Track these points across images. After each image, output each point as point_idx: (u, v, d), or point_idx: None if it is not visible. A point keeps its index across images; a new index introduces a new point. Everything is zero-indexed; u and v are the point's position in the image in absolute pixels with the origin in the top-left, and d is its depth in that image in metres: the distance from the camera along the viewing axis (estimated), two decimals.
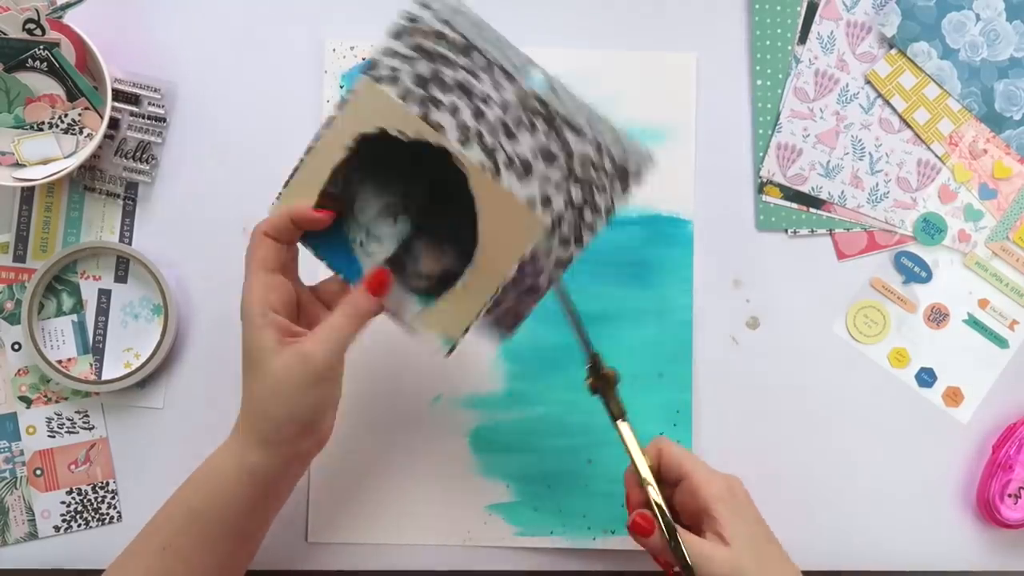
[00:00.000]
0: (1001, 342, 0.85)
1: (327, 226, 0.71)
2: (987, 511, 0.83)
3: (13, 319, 0.82)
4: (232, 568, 0.72)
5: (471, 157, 0.69)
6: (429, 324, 0.71)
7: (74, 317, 0.82)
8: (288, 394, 0.68)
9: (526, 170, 0.70)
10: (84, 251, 0.81)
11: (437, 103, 0.71)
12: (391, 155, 0.71)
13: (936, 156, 0.84)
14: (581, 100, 0.69)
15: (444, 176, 0.70)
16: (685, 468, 0.70)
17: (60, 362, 0.81)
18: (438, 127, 0.69)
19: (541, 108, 0.71)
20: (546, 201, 0.70)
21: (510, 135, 0.71)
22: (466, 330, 0.70)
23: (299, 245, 0.72)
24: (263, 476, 0.69)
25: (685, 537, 0.69)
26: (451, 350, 0.70)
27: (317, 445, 0.72)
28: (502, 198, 0.69)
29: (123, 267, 0.82)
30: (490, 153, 0.71)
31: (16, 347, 0.82)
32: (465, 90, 0.71)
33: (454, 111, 0.70)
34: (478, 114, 0.71)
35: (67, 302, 0.82)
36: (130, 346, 0.82)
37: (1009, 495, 0.83)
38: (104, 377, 0.81)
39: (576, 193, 0.70)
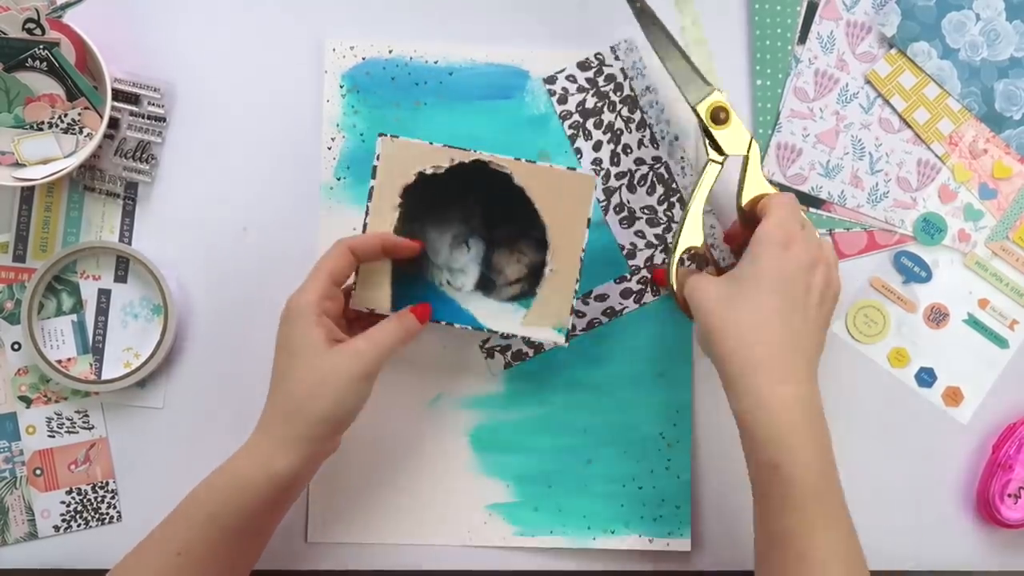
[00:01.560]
0: (1001, 342, 0.85)
1: (416, 253, 0.75)
2: (987, 511, 0.83)
3: (13, 319, 0.82)
4: (243, 567, 0.74)
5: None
6: (540, 321, 0.75)
7: (74, 317, 0.82)
8: (334, 390, 0.70)
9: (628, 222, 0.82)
10: (84, 251, 0.81)
11: (587, 135, 0.82)
12: (438, 191, 0.75)
13: (936, 156, 0.84)
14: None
15: (491, 186, 0.74)
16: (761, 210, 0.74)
17: (60, 362, 0.81)
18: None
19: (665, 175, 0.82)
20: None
21: (631, 188, 0.82)
22: (572, 310, 0.75)
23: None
24: (287, 479, 0.70)
25: (687, 276, 0.75)
26: (568, 336, 0.75)
27: (335, 447, 0.75)
28: (546, 174, 0.74)
29: (123, 267, 0.82)
30: (608, 193, 0.82)
31: (16, 347, 0.82)
32: (615, 134, 0.82)
33: (597, 147, 0.81)
34: (614, 158, 0.82)
35: (67, 302, 0.82)
36: (130, 346, 0.82)
37: (1009, 495, 0.83)
38: (104, 377, 0.81)
39: None
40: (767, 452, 0.69)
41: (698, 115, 0.78)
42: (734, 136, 0.78)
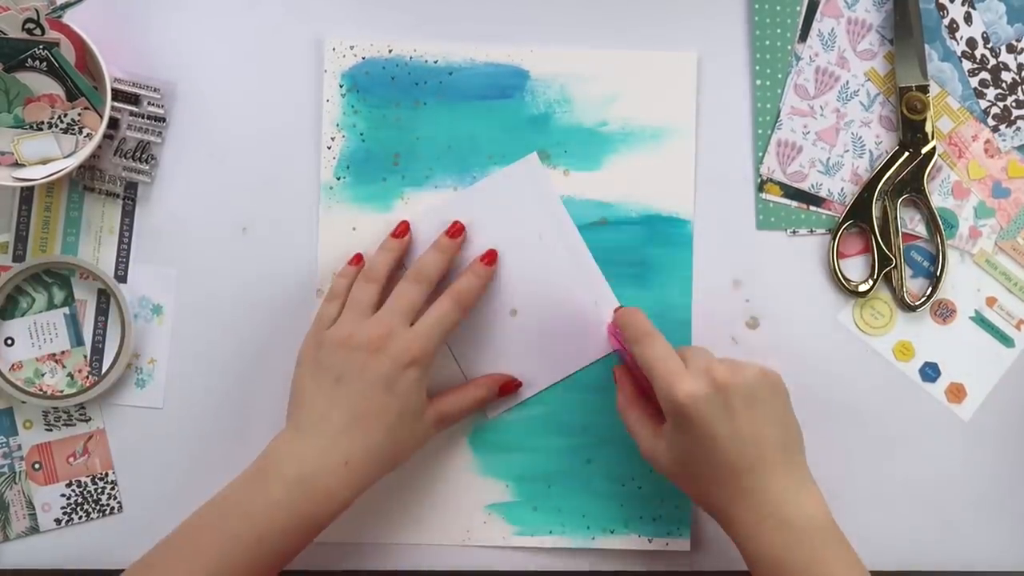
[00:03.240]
0: (1007, 341, 0.84)
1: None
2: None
3: (6, 314, 0.82)
4: None
5: None
6: None
7: (65, 310, 0.82)
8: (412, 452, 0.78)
9: None
10: (38, 266, 0.81)
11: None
12: None
13: (936, 154, 0.84)
14: None
15: None
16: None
17: (54, 355, 0.82)
18: None
19: None
20: None
21: None
22: None
23: None
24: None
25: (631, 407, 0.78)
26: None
27: None
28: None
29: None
30: None
31: (9, 342, 0.82)
32: None
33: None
34: None
35: (58, 295, 0.82)
36: None
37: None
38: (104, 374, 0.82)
39: None
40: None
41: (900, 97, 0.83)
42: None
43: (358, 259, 0.81)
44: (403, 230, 0.81)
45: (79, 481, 0.82)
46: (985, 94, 0.84)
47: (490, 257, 0.81)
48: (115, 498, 0.82)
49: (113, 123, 0.82)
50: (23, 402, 0.81)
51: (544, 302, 0.83)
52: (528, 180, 0.83)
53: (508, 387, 0.82)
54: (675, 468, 0.73)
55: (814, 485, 0.71)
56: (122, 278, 0.83)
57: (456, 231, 0.81)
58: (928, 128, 0.83)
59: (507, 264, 0.83)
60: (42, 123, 0.79)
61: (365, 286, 0.78)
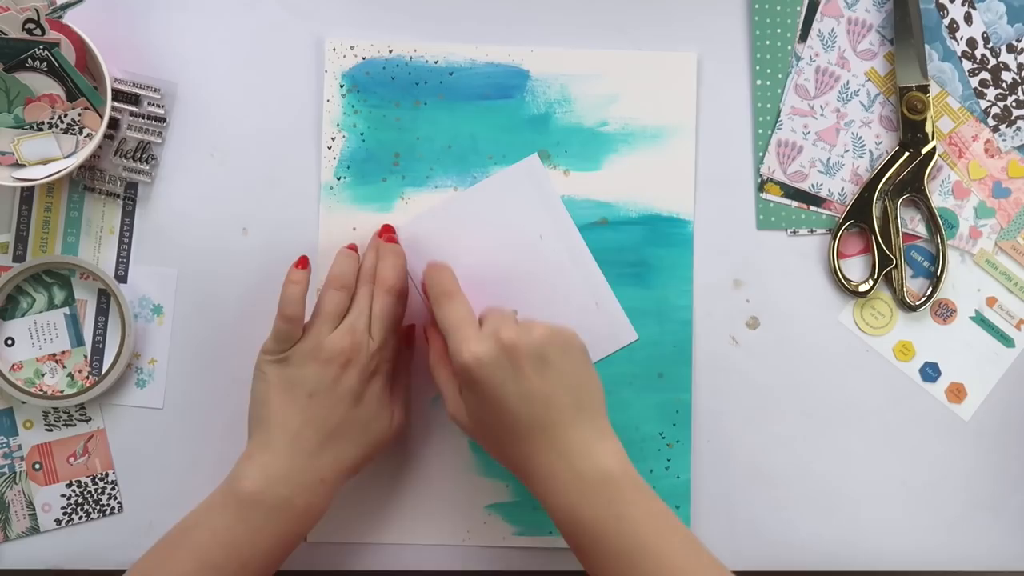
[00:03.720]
0: (1007, 341, 0.84)
1: None
2: None
3: (6, 314, 0.82)
4: None
5: None
6: None
7: (66, 310, 0.82)
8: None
9: None
10: (38, 266, 0.81)
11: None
12: None
13: (937, 154, 0.84)
14: None
15: None
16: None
17: (55, 355, 0.82)
18: None
19: None
20: None
21: None
22: None
23: None
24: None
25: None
26: None
27: None
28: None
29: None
30: None
31: (9, 342, 0.82)
32: None
33: None
34: None
35: (58, 295, 0.82)
36: None
37: None
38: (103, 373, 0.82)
39: None
40: None
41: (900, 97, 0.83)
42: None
43: (303, 263, 0.77)
44: (355, 248, 0.80)
45: (79, 481, 0.82)
46: (985, 94, 0.84)
47: (387, 231, 0.81)
48: (115, 498, 0.82)
49: (113, 123, 0.82)
50: (23, 402, 0.81)
51: (544, 303, 0.83)
52: (529, 180, 0.83)
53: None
54: (473, 428, 0.74)
55: (612, 439, 0.71)
56: (122, 278, 0.83)
57: (387, 231, 0.81)
58: (928, 128, 0.83)
59: (507, 265, 0.83)
60: (42, 123, 0.79)
61: (334, 295, 0.76)
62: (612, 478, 0.69)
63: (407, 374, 0.82)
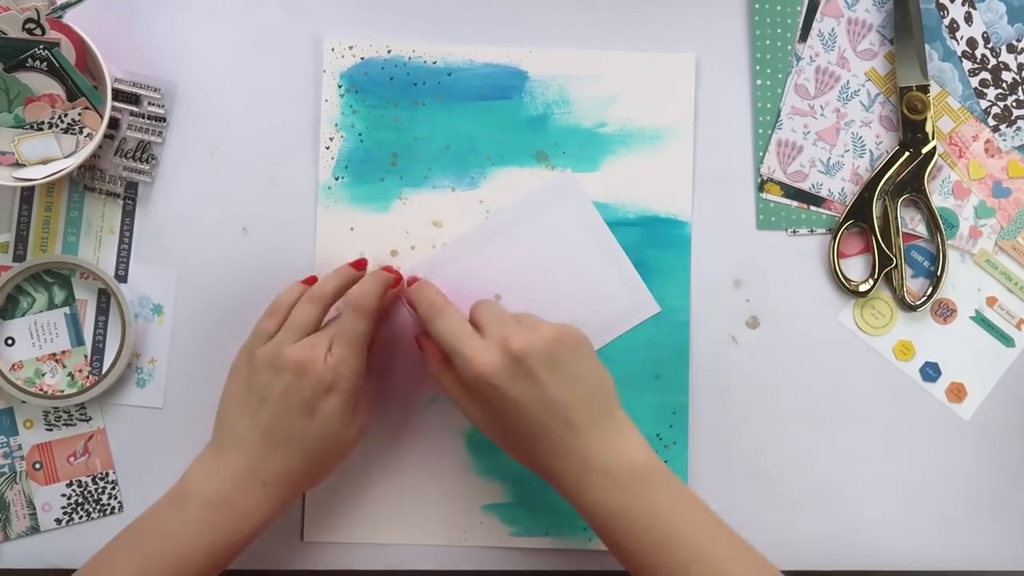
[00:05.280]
0: (1007, 340, 0.84)
1: None
2: None
3: (6, 314, 0.83)
4: None
5: None
6: None
7: (66, 310, 0.82)
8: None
9: None
10: (38, 266, 0.82)
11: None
12: None
13: (937, 154, 0.83)
14: None
15: None
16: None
17: (55, 355, 0.82)
18: None
19: None
20: None
21: None
22: None
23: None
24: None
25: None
26: None
27: None
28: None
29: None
30: None
31: (9, 342, 0.82)
32: None
33: None
34: None
35: (58, 295, 0.82)
36: None
37: None
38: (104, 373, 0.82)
39: None
40: None
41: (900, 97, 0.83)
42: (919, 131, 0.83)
43: (312, 280, 0.79)
44: (362, 265, 0.80)
45: (79, 481, 0.82)
46: (985, 94, 0.84)
47: (360, 264, 0.80)
48: (115, 498, 0.83)
49: (113, 123, 0.82)
50: (23, 402, 0.81)
51: (585, 310, 0.83)
52: (563, 195, 0.83)
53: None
54: (492, 432, 0.73)
55: (633, 430, 0.72)
56: (122, 278, 0.83)
57: (391, 276, 0.79)
58: (928, 128, 0.82)
59: (550, 279, 0.83)
60: (42, 123, 0.79)
61: (307, 307, 0.76)
62: (641, 470, 0.69)
63: (370, 392, 0.79)
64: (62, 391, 0.82)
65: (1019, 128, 0.84)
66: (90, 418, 0.82)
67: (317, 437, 0.73)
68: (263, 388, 0.73)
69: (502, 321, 0.72)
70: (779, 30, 0.84)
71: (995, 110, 0.84)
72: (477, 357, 0.70)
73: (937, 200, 0.84)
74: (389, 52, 0.84)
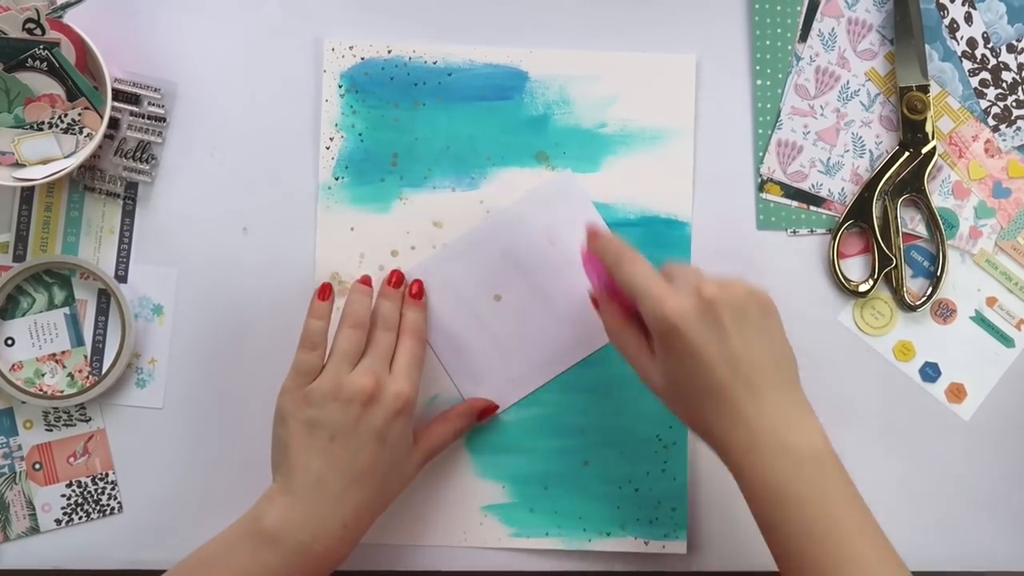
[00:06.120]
0: (1007, 341, 0.84)
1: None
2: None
3: (6, 314, 0.83)
4: None
5: None
6: None
7: (66, 310, 0.82)
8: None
9: None
10: (38, 266, 0.82)
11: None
12: None
13: (937, 154, 0.83)
14: None
15: None
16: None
17: (55, 355, 0.82)
18: None
19: None
20: None
21: None
22: None
23: None
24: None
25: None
26: None
27: None
28: None
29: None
30: None
31: (9, 342, 0.82)
32: None
33: None
34: None
35: (58, 295, 0.82)
36: None
37: None
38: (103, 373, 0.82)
39: None
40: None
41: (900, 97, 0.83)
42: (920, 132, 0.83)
43: (326, 293, 0.78)
44: (368, 282, 0.80)
45: (79, 481, 0.82)
46: (985, 94, 0.84)
47: (418, 286, 0.81)
48: (115, 498, 0.83)
49: (113, 123, 0.82)
50: (23, 402, 0.81)
51: (585, 311, 0.81)
52: (563, 195, 0.83)
53: (487, 412, 0.82)
54: (668, 390, 0.70)
55: (811, 413, 0.68)
56: (122, 278, 0.83)
57: (398, 280, 0.81)
58: (928, 128, 0.82)
59: (550, 279, 0.83)
60: (42, 123, 0.79)
61: (351, 333, 0.75)
62: (820, 456, 0.66)
63: (442, 429, 0.80)
64: (62, 391, 0.82)
65: (1019, 128, 0.84)
66: (90, 418, 0.82)
67: (389, 464, 0.73)
68: (332, 423, 0.71)
69: (695, 272, 0.70)
70: (779, 30, 0.84)
71: (995, 110, 0.84)
72: (667, 299, 0.66)
73: (937, 200, 0.84)
74: (389, 52, 0.84)
